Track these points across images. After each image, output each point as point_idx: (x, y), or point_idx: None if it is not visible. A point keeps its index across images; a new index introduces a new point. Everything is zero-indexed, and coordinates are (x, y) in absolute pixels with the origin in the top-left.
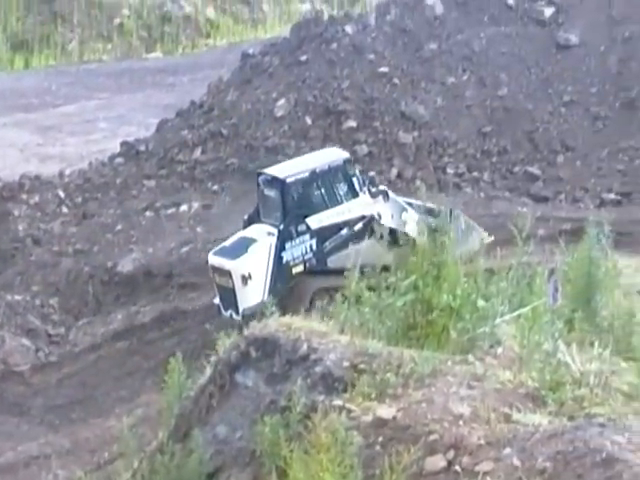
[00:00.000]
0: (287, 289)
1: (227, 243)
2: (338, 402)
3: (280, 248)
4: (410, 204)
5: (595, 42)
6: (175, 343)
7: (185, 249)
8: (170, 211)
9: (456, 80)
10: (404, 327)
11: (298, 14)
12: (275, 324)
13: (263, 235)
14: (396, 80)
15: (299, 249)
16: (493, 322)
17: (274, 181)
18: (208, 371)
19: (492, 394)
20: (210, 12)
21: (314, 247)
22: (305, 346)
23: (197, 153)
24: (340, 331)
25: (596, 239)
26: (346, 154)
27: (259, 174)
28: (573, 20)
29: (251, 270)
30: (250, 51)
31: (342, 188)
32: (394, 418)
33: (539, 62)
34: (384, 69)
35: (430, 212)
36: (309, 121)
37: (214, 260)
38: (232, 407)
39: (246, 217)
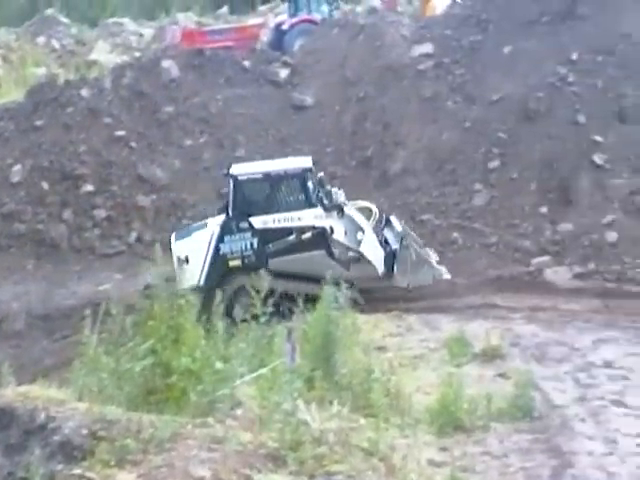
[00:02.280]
0: (222, 280)
1: (190, 227)
2: (77, 471)
3: (219, 239)
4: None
5: (330, 102)
6: None
7: None
8: None
9: (193, 142)
10: (143, 392)
11: (33, 78)
12: (12, 394)
13: (214, 225)
14: (133, 143)
15: (238, 244)
16: (233, 384)
17: (229, 176)
18: None
19: (233, 456)
20: None
21: (255, 245)
22: (43, 415)
23: None
24: (78, 398)
25: (334, 297)
26: (309, 164)
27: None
28: (308, 81)
29: (188, 254)
30: None
31: (296, 195)
32: None
33: (276, 123)
34: (121, 132)
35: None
36: (46, 186)
37: (172, 239)
38: None
39: (217, 208)
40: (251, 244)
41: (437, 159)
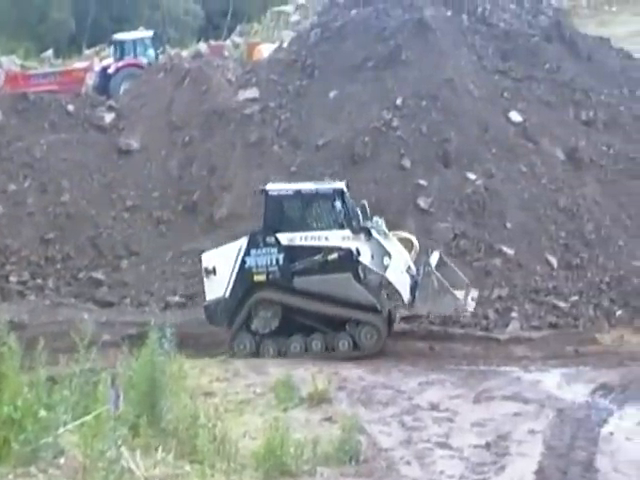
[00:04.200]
0: (246, 294)
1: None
2: None
3: (246, 252)
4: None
5: (156, 147)
6: None
7: None
8: None
9: (17, 187)
10: None
11: None
12: None
13: (242, 241)
14: None
15: (264, 259)
16: (56, 432)
17: (262, 192)
18: None
19: None
20: None
21: (280, 262)
22: None
23: None
24: None
25: (159, 342)
26: (342, 186)
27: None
28: (134, 125)
29: (216, 265)
30: None
31: (326, 216)
32: None
33: (101, 168)
34: None
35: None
36: None
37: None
38: None
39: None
40: (277, 260)
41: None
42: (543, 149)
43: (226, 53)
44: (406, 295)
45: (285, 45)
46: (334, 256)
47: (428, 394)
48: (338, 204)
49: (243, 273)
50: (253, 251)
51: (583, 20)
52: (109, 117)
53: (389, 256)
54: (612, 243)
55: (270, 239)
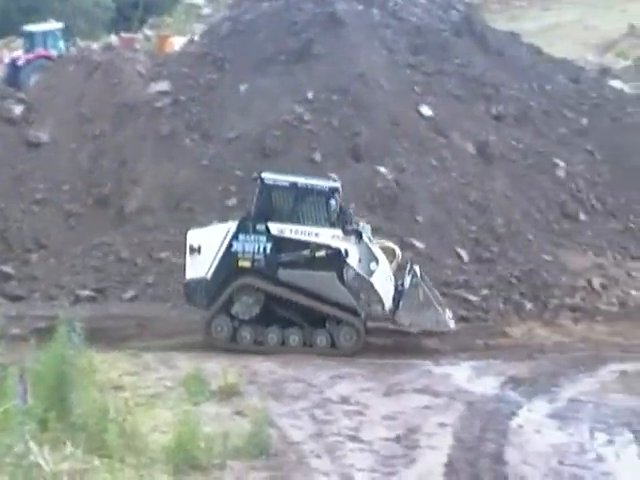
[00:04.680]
0: (229, 278)
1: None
2: None
3: (234, 236)
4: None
5: (66, 140)
6: None
7: None
8: None
9: None
10: None
11: None
12: None
13: (229, 224)
14: None
15: (251, 245)
16: None
17: (258, 179)
18: None
19: None
20: None
21: (267, 251)
22: None
23: None
24: None
25: (68, 336)
26: (337, 185)
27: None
28: (43, 118)
29: (201, 244)
30: None
31: (318, 212)
32: None
33: (10, 160)
34: None
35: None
36: None
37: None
38: None
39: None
40: (264, 248)
41: (174, 197)
42: (454, 143)
43: (137, 46)
44: (388, 303)
45: (196, 38)
46: (322, 253)
47: (339, 387)
48: (332, 203)
49: (228, 257)
50: (241, 236)
51: (493, 15)
52: (18, 109)
53: (376, 262)
54: (522, 237)
55: (260, 226)
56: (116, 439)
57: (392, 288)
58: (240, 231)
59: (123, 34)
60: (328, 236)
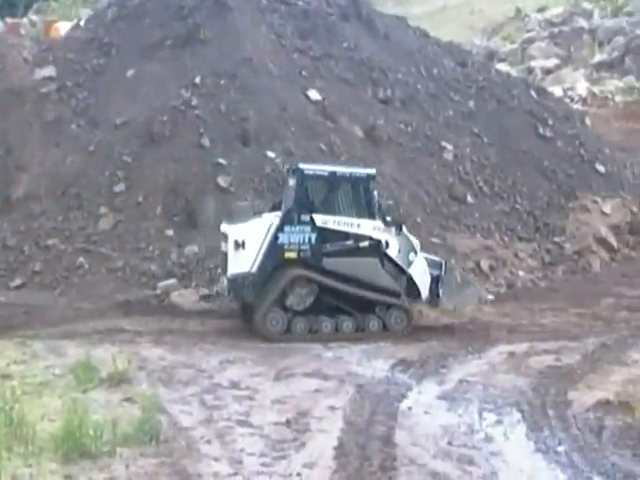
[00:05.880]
0: (275, 270)
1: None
2: None
3: (279, 228)
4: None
5: None
6: None
7: None
8: None
9: None
10: None
11: None
12: None
13: (270, 216)
14: None
15: (297, 237)
16: None
17: (296, 170)
18: None
19: None
20: None
21: (313, 241)
22: None
23: None
24: None
25: None
26: (373, 171)
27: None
28: None
29: (245, 238)
30: None
31: (358, 201)
32: None
33: None
34: None
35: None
36: None
37: (223, 227)
38: None
39: (271, 206)
40: (309, 238)
41: (61, 183)
42: (342, 127)
43: (22, 31)
44: (425, 293)
45: (82, 23)
46: (365, 244)
47: (229, 372)
48: (371, 189)
49: (274, 249)
50: (287, 228)
51: None
52: None
53: (415, 253)
54: (410, 220)
55: (305, 217)
56: (3, 428)
57: (428, 278)
58: (285, 223)
59: (8, 19)
60: (369, 227)
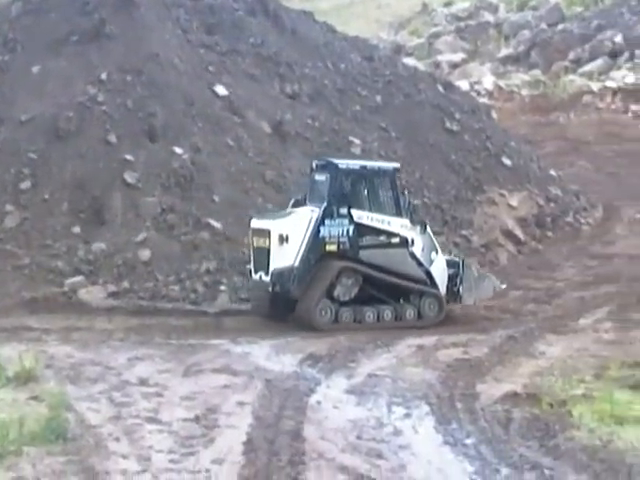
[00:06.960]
0: (317, 263)
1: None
2: None
3: (320, 222)
4: None
5: None
6: None
7: None
8: None
9: None
10: None
11: None
12: None
13: (306, 211)
14: None
15: (336, 230)
16: None
17: (328, 165)
18: None
19: None
20: None
21: (351, 234)
22: None
23: None
24: None
25: None
26: (398, 165)
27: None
28: None
29: (289, 233)
30: None
31: (386, 197)
32: None
33: None
34: None
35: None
36: None
37: (255, 223)
38: None
39: (292, 201)
40: (347, 231)
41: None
42: (249, 122)
43: None
44: (443, 289)
45: None
46: (396, 240)
47: (137, 369)
48: (397, 182)
49: (316, 242)
50: (327, 221)
51: None
52: None
53: (436, 252)
54: None
55: (343, 211)
56: None
57: (446, 277)
58: (326, 216)
59: None
60: (398, 225)
